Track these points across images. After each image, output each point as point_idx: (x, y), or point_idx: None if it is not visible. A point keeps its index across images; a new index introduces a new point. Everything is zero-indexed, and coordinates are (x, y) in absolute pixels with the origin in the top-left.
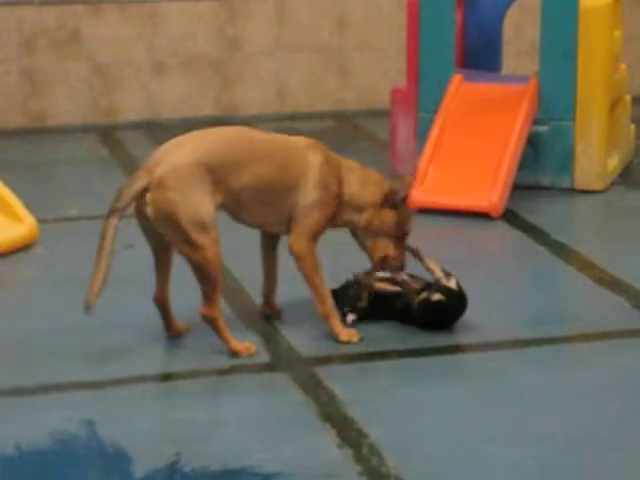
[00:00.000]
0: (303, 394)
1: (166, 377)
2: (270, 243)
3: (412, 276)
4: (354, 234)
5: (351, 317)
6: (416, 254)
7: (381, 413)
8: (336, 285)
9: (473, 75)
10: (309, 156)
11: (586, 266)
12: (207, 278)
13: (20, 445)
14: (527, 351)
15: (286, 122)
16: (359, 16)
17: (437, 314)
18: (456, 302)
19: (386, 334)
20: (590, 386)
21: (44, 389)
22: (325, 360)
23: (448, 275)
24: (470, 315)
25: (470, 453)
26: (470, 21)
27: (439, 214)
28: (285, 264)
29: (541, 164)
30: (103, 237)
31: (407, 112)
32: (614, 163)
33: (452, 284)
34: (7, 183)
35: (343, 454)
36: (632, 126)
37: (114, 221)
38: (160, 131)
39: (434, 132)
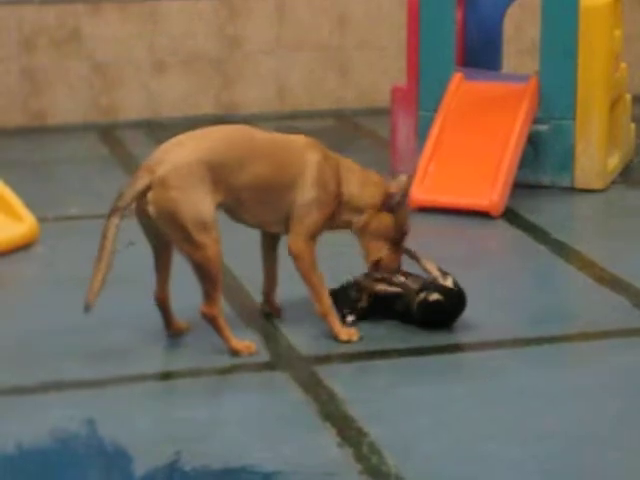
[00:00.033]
0: (303, 393)
1: (166, 376)
2: (270, 243)
3: (410, 274)
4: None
5: (350, 318)
6: (413, 256)
7: (381, 412)
8: (336, 285)
9: (473, 74)
10: (307, 155)
11: (586, 265)
12: (208, 277)
13: (21, 444)
14: (527, 350)
15: (286, 121)
16: (359, 14)
17: (436, 314)
18: (455, 301)
19: (386, 333)
20: (590, 385)
21: (44, 388)
22: (325, 359)
23: (445, 274)
24: (470, 314)
25: (470, 452)
26: (470, 20)
27: (439, 213)
28: (285, 263)
29: (541, 163)
30: (104, 236)
31: (407, 111)
32: (614, 162)
33: (449, 283)
34: (7, 182)
35: (343, 453)
36: (632, 125)
37: (115, 220)
38: (160, 130)
39: (434, 131)
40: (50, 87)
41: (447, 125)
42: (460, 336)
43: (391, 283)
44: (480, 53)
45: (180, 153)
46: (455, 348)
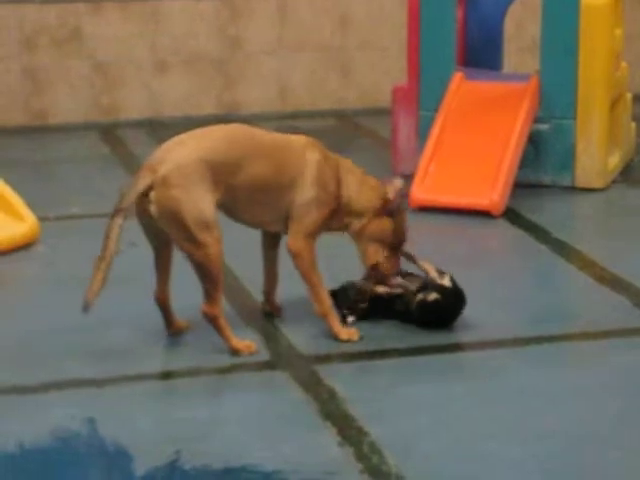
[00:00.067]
0: (303, 392)
1: (167, 375)
2: (271, 242)
3: (408, 274)
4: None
5: (350, 319)
6: (410, 258)
7: (382, 411)
8: (336, 286)
9: (474, 73)
10: (307, 154)
11: (587, 264)
12: (209, 276)
13: (22, 443)
14: (527, 349)
15: (288, 121)
16: (361, 15)
17: (435, 313)
18: (452, 299)
19: (386, 332)
20: (590, 384)
21: (45, 387)
22: (325, 358)
23: (442, 274)
24: (470, 313)
25: (470, 451)
26: (471, 19)
27: (440, 212)
28: (286, 262)
29: (542, 162)
30: (107, 237)
31: (408, 110)
32: (615, 161)
33: (446, 282)
34: (8, 181)
35: (344, 452)
36: (633, 124)
37: (119, 221)
38: (162, 129)
39: (435, 130)
40: (51, 86)
41: (448, 125)
42: (460, 335)
43: (390, 286)
44: (481, 52)
45: (181, 152)
46: (455, 347)
